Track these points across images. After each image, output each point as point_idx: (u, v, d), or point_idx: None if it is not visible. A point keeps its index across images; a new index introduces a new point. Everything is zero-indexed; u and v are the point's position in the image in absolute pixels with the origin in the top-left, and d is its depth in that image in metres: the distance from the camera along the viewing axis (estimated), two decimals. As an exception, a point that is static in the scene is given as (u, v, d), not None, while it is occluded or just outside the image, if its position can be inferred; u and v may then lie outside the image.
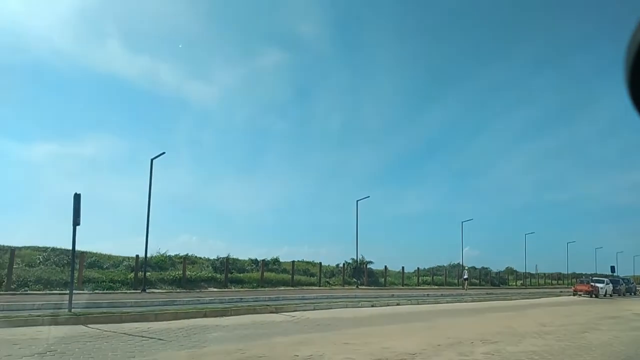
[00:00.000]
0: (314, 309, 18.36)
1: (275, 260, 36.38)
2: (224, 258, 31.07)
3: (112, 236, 52.35)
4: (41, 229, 44.62)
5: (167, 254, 30.82)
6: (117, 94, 59.42)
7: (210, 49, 65.09)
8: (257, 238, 65.32)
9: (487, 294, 35.20)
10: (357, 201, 38.93)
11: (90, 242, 34.71)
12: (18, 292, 18.68)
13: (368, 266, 39.87)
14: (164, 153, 23.51)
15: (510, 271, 67.07)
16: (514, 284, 61.36)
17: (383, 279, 40.23)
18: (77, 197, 12.24)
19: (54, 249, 26.26)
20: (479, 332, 13.11)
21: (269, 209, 68.91)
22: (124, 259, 27.93)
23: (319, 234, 69.61)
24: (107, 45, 53.98)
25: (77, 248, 13.72)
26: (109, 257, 28.69)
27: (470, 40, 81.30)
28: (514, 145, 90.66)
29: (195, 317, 14.58)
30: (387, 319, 16.15)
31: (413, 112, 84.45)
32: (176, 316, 14.34)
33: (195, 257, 32.74)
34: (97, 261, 26.65)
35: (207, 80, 65.91)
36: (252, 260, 34.51)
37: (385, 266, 41.17)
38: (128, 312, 13.95)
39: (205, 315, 15.08)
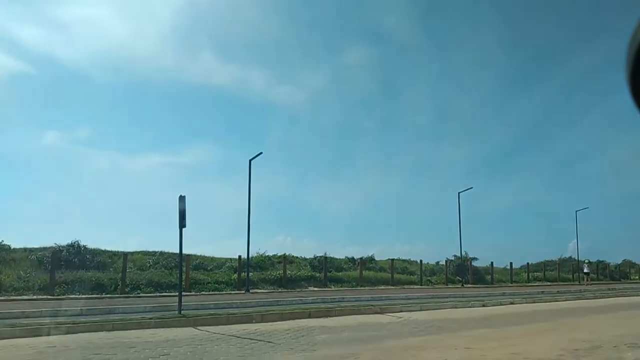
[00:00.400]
0: (421, 310, 17.36)
1: (371, 259, 35.67)
2: (321, 257, 30.89)
3: (212, 239, 54.73)
4: (150, 235, 47.42)
5: (266, 254, 31.26)
6: (211, 103, 62.13)
7: (296, 52, 65.77)
8: (349, 237, 64.92)
9: (608, 289, 31.88)
10: (458, 193, 36.91)
11: (194, 245, 36.22)
12: (132, 295, 19.60)
13: (472, 263, 37.83)
14: (261, 153, 23.71)
15: (629, 264, 60.82)
16: (637, 277, 55.59)
17: (489, 277, 37.95)
18: (182, 199, 12.34)
19: (162, 253, 27.52)
20: (619, 334, 11.45)
21: (360, 207, 68.08)
22: (226, 260, 28.66)
23: (411, 231, 67.62)
24: (200, 58, 56.70)
25: (183, 251, 13.94)
26: (212, 259, 29.56)
27: (572, 13, 75.04)
28: (628, 125, 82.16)
29: (300, 318, 14.26)
30: (504, 320, 14.78)
31: (509, 99, 79.46)
32: (281, 317, 14.10)
33: (292, 256, 32.89)
34: (201, 263, 27.51)
35: (295, 83, 66.71)
36: (348, 258, 34.07)
37: (492, 262, 38.86)
38: (234, 314, 13.92)
39: (309, 316, 14.71)
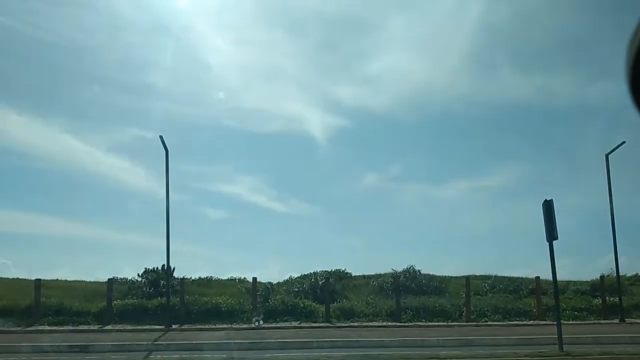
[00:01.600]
0: None
1: None
2: None
3: (524, 260, 49.65)
4: (465, 259, 46.55)
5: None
6: (512, 119, 57.00)
7: (606, 43, 55.42)
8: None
9: None
10: None
11: (502, 268, 33.11)
12: (481, 323, 17.70)
13: None
14: (624, 142, 18.93)
15: None
16: None
17: None
18: (548, 205, 9.73)
19: (496, 277, 25.21)
20: None
21: None
22: (567, 283, 24.03)
23: None
24: (498, 76, 53.39)
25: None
26: (545, 282, 25.47)
27: None
28: None
29: None
30: None
31: None
32: None
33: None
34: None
35: (611, 77, 55.81)
36: None
37: None
38: (636, 354, 10.35)
39: None
